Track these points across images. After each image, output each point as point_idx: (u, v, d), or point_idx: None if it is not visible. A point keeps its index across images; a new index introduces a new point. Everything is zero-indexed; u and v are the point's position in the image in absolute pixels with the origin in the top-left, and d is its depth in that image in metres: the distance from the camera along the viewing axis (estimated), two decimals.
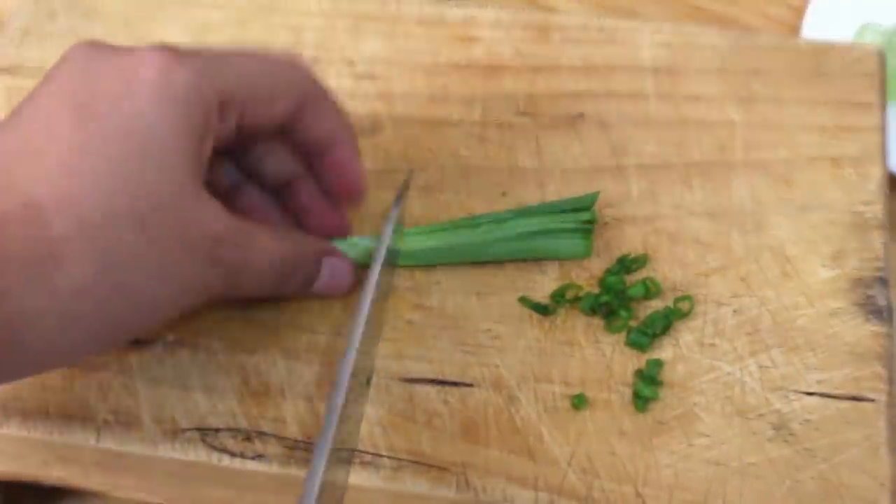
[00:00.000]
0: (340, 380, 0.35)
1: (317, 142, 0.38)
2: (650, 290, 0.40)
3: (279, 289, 0.38)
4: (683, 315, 0.40)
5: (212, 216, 0.33)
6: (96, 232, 0.31)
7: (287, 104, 0.37)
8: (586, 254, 0.41)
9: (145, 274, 0.32)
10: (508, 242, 0.41)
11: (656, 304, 0.40)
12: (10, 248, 0.30)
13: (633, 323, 0.40)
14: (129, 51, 0.34)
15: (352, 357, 0.35)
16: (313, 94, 0.38)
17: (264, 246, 0.36)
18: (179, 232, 0.32)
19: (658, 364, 0.38)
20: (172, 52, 0.33)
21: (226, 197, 0.39)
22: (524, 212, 0.41)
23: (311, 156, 0.40)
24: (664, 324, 0.39)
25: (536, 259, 0.41)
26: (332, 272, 0.39)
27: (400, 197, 0.42)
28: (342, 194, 0.40)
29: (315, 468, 0.32)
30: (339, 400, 0.34)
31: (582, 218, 0.41)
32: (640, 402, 0.38)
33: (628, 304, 0.40)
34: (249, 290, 0.36)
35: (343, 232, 0.41)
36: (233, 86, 0.35)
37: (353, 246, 0.41)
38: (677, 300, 0.40)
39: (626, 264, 0.41)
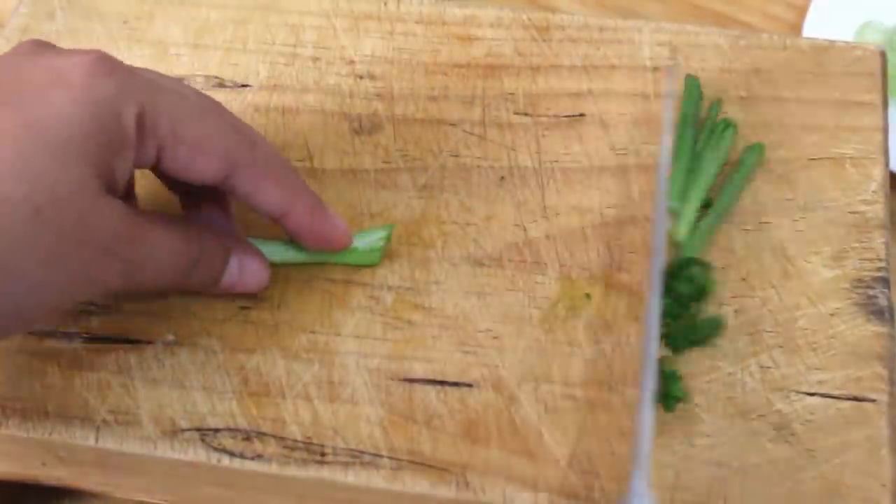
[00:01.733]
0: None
1: (264, 210, 0.38)
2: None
3: (181, 284, 0.37)
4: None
5: (110, 214, 0.34)
6: None
7: (216, 165, 0.36)
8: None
9: (36, 261, 0.32)
10: None
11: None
12: None
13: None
14: (69, 53, 0.35)
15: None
16: (247, 163, 0.37)
17: (163, 243, 0.36)
18: (75, 225, 0.33)
19: (670, 362, 0.38)
20: (106, 61, 0.34)
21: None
22: None
23: (271, 218, 0.39)
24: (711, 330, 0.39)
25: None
26: (241, 269, 0.39)
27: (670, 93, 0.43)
28: (320, 248, 0.40)
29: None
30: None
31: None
32: (671, 402, 0.37)
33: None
34: (149, 284, 0.36)
35: (341, 242, 0.41)
36: (156, 113, 0.35)
37: (362, 238, 0.41)
38: None
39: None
